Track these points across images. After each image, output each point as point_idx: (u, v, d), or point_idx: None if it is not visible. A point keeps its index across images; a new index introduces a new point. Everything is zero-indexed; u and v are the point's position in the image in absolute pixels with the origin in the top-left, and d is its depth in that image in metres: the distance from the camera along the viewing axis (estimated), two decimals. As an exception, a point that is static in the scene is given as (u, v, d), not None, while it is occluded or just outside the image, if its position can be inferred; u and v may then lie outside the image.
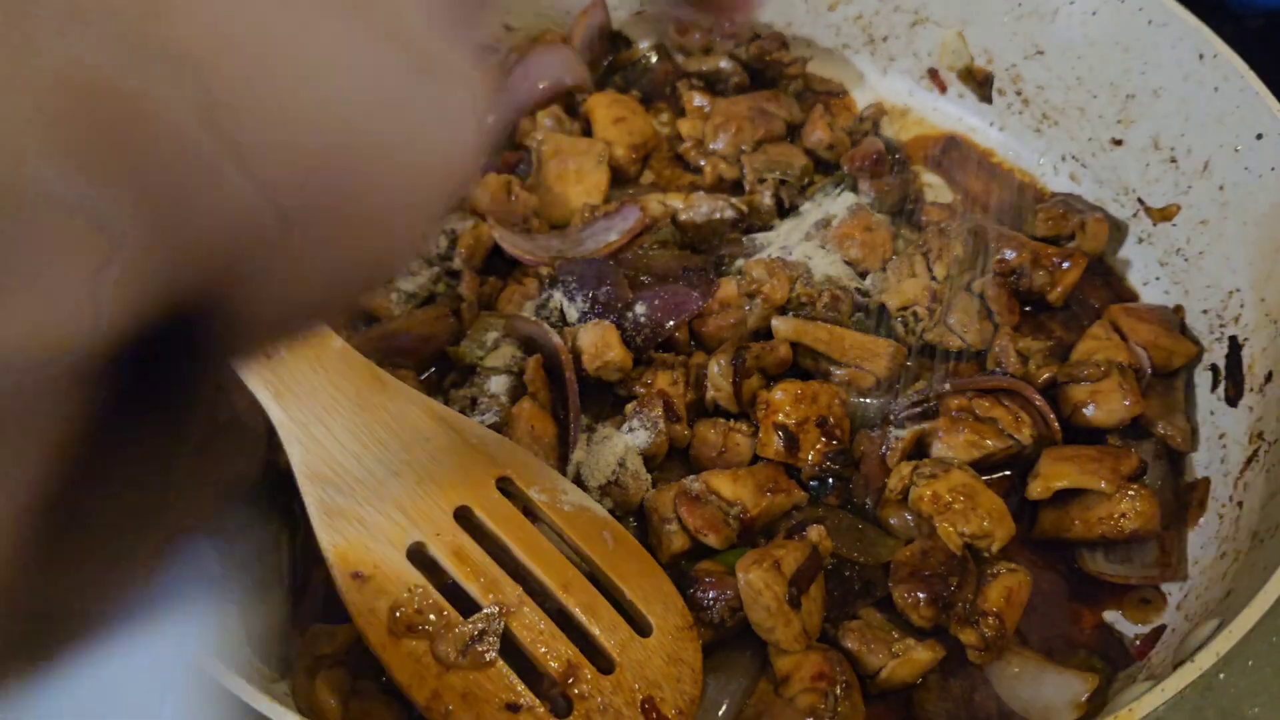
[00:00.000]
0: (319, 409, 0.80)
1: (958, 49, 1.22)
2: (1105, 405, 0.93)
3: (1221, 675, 0.81)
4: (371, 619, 0.75)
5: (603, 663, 0.78)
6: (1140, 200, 1.10)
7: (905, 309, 1.01)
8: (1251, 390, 0.93)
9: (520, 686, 0.75)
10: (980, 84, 1.22)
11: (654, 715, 0.76)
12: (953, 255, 1.02)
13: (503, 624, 0.76)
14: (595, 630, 0.79)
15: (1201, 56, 0.99)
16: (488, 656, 0.75)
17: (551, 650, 0.77)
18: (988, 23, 1.18)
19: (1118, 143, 1.11)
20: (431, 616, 0.76)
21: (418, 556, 0.78)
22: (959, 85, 1.24)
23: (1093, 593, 0.89)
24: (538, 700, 0.75)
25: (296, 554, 0.90)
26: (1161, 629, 0.86)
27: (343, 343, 0.83)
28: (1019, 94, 1.20)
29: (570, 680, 0.76)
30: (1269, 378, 0.91)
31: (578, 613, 0.79)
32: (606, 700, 0.76)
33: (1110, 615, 0.89)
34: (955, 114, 1.25)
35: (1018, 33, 1.16)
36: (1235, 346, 0.96)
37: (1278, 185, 0.92)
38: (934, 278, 1.02)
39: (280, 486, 0.92)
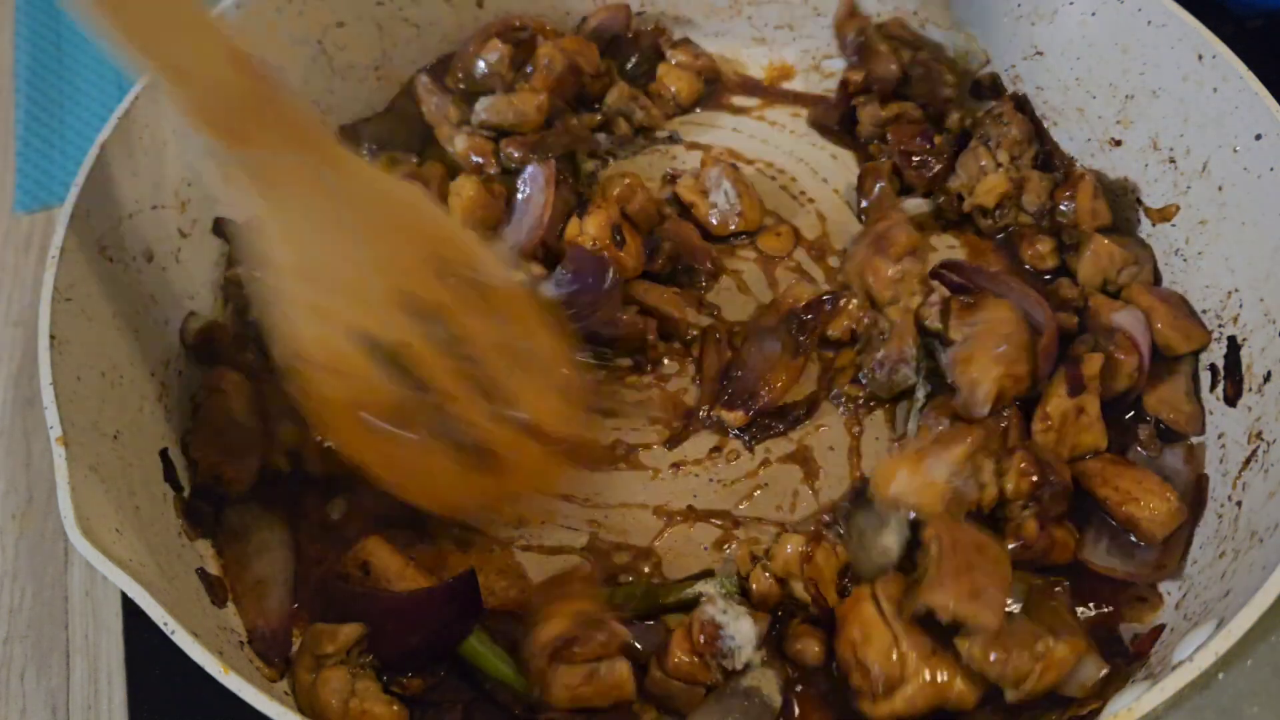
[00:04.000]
0: (288, 193, 0.77)
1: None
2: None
3: (1220, 675, 0.81)
4: (323, 404, 0.80)
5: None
6: (1139, 200, 1.10)
7: (1000, 206, 1.03)
8: (1250, 390, 0.93)
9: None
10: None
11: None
12: (1010, 138, 1.02)
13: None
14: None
15: (1200, 57, 0.99)
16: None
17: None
18: (987, 23, 1.18)
19: (1117, 143, 1.11)
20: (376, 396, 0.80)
21: (365, 341, 0.79)
22: (958, 86, 1.24)
23: (1092, 591, 0.89)
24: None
25: (297, 554, 0.90)
26: (1160, 628, 0.86)
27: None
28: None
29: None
30: (1268, 377, 0.91)
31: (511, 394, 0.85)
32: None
33: (1109, 615, 0.89)
34: (954, 114, 1.25)
35: (1017, 33, 1.16)
36: (1234, 346, 0.96)
37: (1276, 185, 0.92)
38: (999, 164, 1.04)
39: (281, 486, 0.93)
